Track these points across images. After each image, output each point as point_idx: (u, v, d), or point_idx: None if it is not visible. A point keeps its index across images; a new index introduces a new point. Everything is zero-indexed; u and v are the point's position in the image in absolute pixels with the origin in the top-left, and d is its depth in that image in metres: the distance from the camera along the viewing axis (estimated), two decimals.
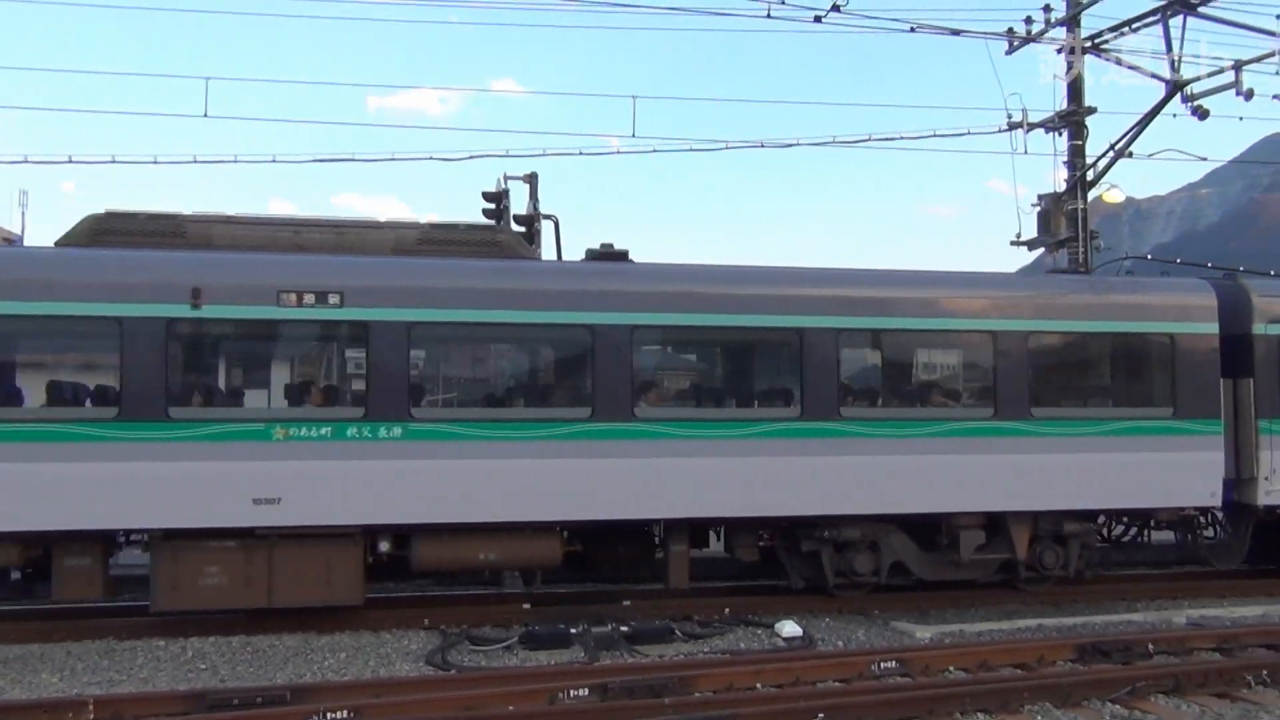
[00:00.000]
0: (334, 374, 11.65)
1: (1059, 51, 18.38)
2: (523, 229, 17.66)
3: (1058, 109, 18.41)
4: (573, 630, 10.61)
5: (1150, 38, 17.02)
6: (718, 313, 11.66)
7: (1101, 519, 13.39)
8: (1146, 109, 17.37)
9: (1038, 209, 18.92)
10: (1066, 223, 18.29)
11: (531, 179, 18.23)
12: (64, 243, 10.97)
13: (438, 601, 12.33)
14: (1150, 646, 9.87)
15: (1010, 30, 18.35)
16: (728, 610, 11.85)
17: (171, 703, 8.04)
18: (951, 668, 9.35)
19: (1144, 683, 8.67)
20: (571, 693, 8.17)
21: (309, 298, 10.54)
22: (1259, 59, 15.83)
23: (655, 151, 18.26)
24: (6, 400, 10.56)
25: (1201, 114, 16.63)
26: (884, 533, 12.20)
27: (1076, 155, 18.39)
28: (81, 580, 10.38)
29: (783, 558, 12.47)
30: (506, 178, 18.08)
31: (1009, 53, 18.65)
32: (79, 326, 10.54)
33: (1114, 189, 19.06)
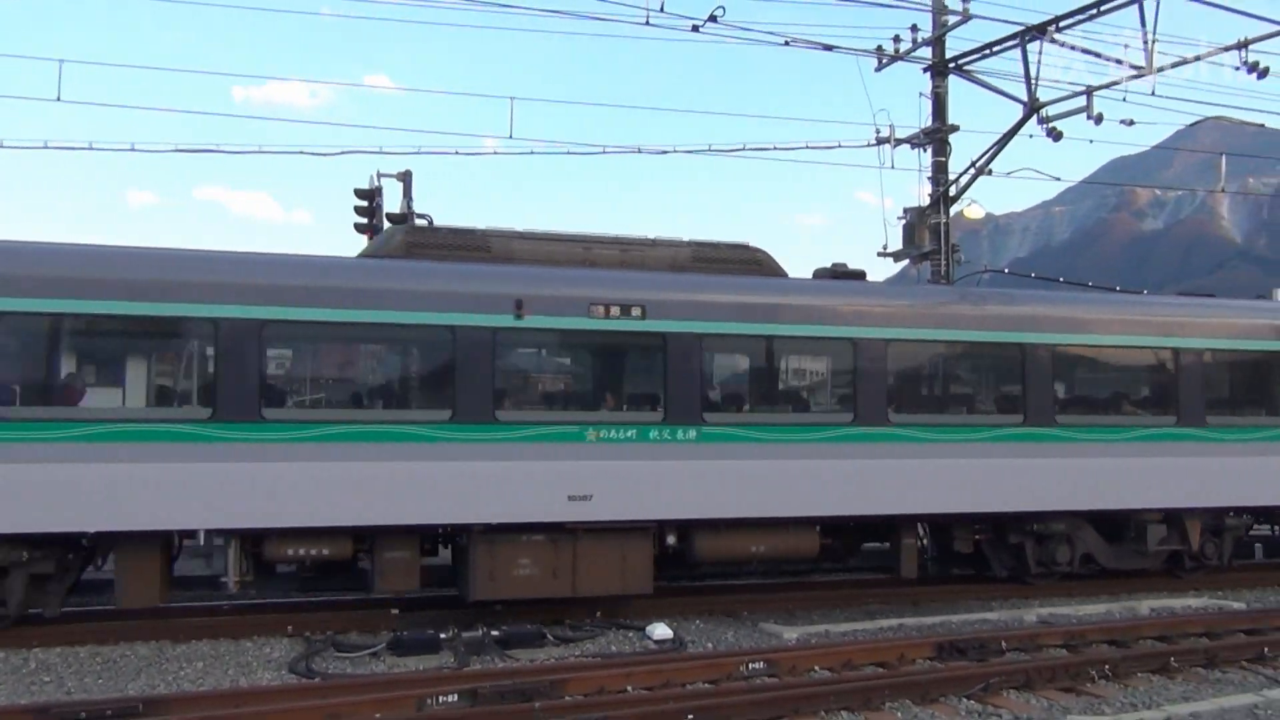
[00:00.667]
0: (636, 381, 12.40)
1: (925, 70, 19.07)
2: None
3: (923, 126, 19.10)
4: (442, 635, 10.45)
5: (1010, 61, 17.82)
6: (956, 328, 12.94)
7: (1231, 515, 14.63)
8: (1006, 129, 18.19)
9: (903, 222, 19.62)
10: (930, 236, 19.01)
11: (405, 177, 17.98)
12: (375, 254, 11.69)
13: (301, 607, 11.99)
14: (1003, 644, 10.28)
15: (879, 48, 18.96)
16: (599, 613, 11.86)
17: (12, 718, 7.61)
18: (817, 667, 9.56)
19: (997, 679, 9.04)
20: (440, 698, 8.05)
21: (615, 310, 11.45)
22: (1108, 85, 16.72)
23: (533, 153, 18.22)
24: (351, 402, 11.39)
25: (1056, 135, 17.49)
26: (1076, 527, 13.65)
27: (940, 171, 19.13)
28: (400, 572, 10.92)
29: (987, 550, 13.76)
30: (380, 175, 17.79)
31: (878, 69, 19.27)
32: (413, 334, 11.19)
33: (974, 204, 19.91)
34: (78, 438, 9.86)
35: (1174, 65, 16.26)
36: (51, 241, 10.67)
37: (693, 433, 11.51)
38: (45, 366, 10.57)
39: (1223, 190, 24.39)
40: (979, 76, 18.54)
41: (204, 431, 10.16)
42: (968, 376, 14.10)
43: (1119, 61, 16.37)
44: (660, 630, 11.02)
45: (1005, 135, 18.26)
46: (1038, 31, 16.92)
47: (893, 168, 19.06)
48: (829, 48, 18.05)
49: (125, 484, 9.91)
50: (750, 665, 9.30)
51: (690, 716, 7.69)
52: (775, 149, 18.87)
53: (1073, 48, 16.92)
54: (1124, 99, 16.81)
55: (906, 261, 19.97)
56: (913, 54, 18.97)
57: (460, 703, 8.06)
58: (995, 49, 17.95)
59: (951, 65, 18.78)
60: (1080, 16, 16.55)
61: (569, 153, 18.75)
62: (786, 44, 17.58)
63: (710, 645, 10.90)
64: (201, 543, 11.04)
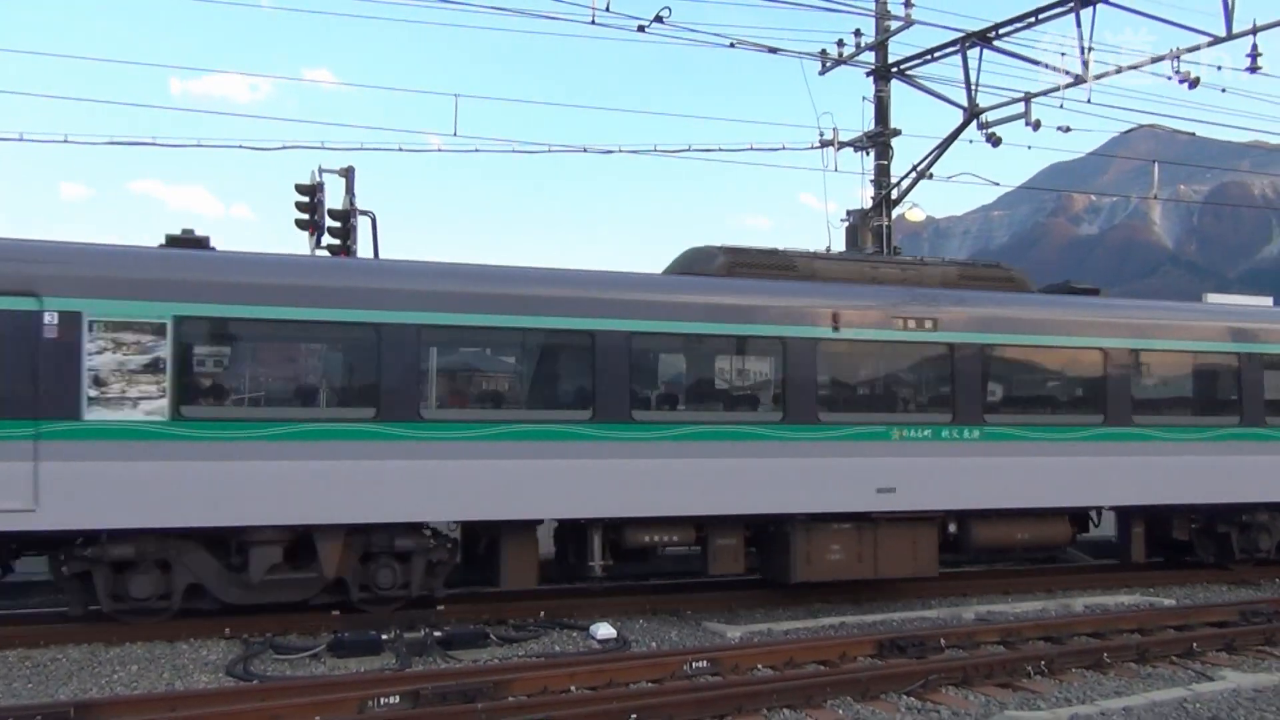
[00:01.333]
0: (929, 386, 13.82)
1: (868, 75, 19.28)
2: (338, 224, 17.17)
3: (866, 129, 19.31)
4: (384, 636, 10.35)
5: (951, 67, 18.07)
6: (1191, 339, 14.67)
7: None
8: (946, 134, 18.46)
9: (846, 224, 19.81)
10: (873, 238, 19.21)
11: (348, 173, 17.73)
12: (696, 273, 13.00)
13: (238, 609, 11.79)
14: (942, 641, 10.42)
15: (823, 52, 19.11)
16: (542, 613, 11.83)
17: None
18: (760, 665, 9.62)
19: (936, 675, 9.16)
20: (382, 700, 7.98)
21: (912, 323, 12.94)
22: (1045, 92, 17.04)
23: (477, 151, 18.14)
24: (700, 405, 13.02)
25: (995, 140, 17.78)
26: (1274, 518, 15.30)
27: (882, 174, 19.35)
28: (729, 558, 12.41)
29: (1194, 538, 15.21)
30: (322, 170, 17.53)
31: (822, 73, 19.45)
32: (752, 345, 12.79)
33: (915, 207, 20.22)
34: (491, 436, 11.19)
35: (1109, 74, 16.63)
36: (462, 262, 12.11)
37: (976, 432, 13.07)
38: (465, 373, 12.65)
39: (1155, 197, 24.97)
40: (920, 82, 18.80)
41: (585, 431, 11.41)
42: (1196, 382, 15.63)
43: (1056, 69, 16.68)
44: (604, 630, 11.02)
45: (946, 140, 18.54)
46: (978, 38, 17.19)
47: (836, 170, 19.27)
48: (774, 50, 18.18)
49: (524, 477, 11.25)
50: (693, 664, 9.32)
51: (634, 716, 7.70)
52: (720, 150, 18.98)
53: (1012, 55, 17.22)
54: (1061, 106, 17.13)
55: None
56: (856, 58, 19.16)
57: (402, 704, 7.99)
58: (936, 55, 18.20)
59: (894, 70, 19.01)
60: (1019, 25, 16.85)
61: (514, 151, 18.69)
62: (732, 46, 17.68)
63: (654, 644, 10.92)
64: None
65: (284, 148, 16.91)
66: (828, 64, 19.18)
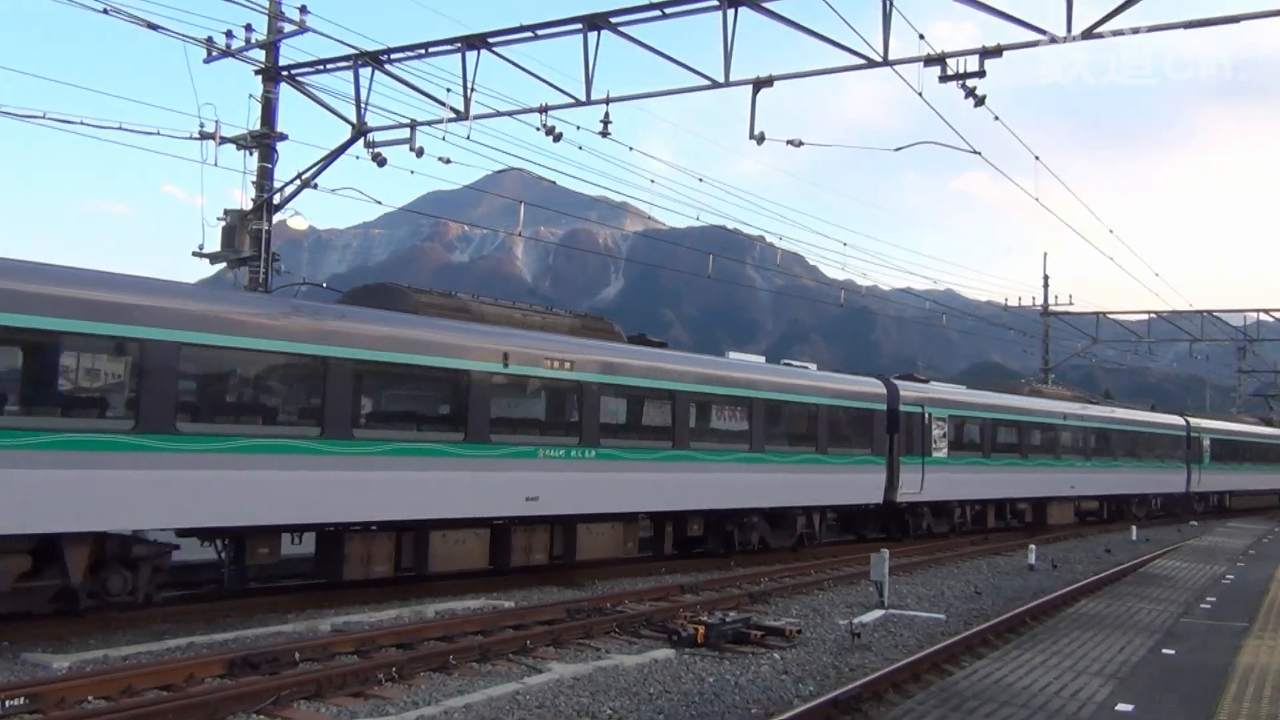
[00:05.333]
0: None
1: (257, 73, 18.67)
2: None
3: (251, 129, 18.65)
4: None
5: (344, 81, 18.18)
6: None
7: None
8: (335, 146, 18.51)
9: (223, 224, 18.90)
10: (251, 241, 18.56)
11: None
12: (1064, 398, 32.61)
13: None
14: (297, 655, 10.33)
15: (210, 40, 18.12)
16: None
17: None
18: (91, 697, 8.75)
19: (288, 691, 9.07)
20: None
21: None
22: (430, 123, 17.86)
23: None
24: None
25: (380, 160, 18.23)
26: None
27: (265, 177, 18.79)
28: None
29: None
30: None
31: (208, 61, 18.40)
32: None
33: (298, 215, 19.93)
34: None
35: (488, 115, 17.89)
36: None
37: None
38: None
39: (519, 234, 27.31)
40: (311, 90, 18.63)
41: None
42: None
43: (442, 103, 17.54)
44: None
45: (333, 152, 18.58)
46: (370, 59, 17.49)
47: (216, 165, 18.29)
48: (154, 27, 16.80)
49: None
50: (8, 702, 8.20)
51: None
52: (83, 124, 17.03)
53: (402, 81, 17.79)
54: (444, 138, 17.96)
55: (223, 265, 19.29)
56: (245, 53, 18.43)
57: None
58: (329, 66, 18.18)
59: (284, 73, 18.62)
60: (410, 54, 17.47)
61: None
62: (105, 12, 15.99)
63: None
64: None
65: None
66: (213, 53, 18.20)
